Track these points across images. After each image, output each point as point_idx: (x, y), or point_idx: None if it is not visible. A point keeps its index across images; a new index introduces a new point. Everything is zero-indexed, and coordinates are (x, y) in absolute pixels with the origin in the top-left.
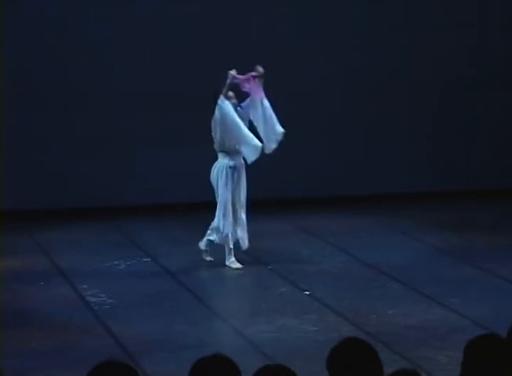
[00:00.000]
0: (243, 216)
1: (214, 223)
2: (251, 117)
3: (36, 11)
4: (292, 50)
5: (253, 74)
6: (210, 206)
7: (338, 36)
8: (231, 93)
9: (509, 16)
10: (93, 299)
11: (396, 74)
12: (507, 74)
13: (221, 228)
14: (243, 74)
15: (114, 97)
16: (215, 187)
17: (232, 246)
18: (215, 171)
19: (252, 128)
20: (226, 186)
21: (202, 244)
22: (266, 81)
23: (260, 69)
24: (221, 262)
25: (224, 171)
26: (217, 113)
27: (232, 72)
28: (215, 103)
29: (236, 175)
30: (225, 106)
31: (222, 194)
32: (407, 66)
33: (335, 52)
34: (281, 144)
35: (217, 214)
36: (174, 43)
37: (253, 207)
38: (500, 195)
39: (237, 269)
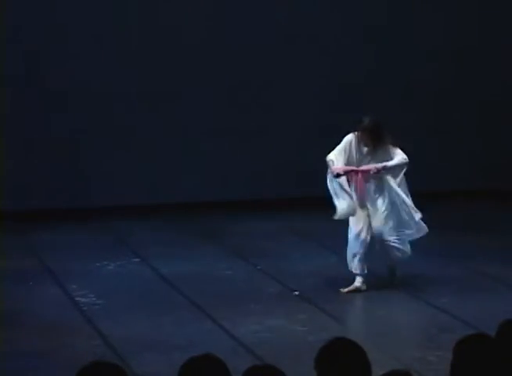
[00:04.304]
0: None
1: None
2: None
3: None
4: (293, 50)
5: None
6: (203, 207)
7: (337, 35)
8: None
9: (509, 15)
10: (82, 300)
11: (395, 73)
12: (507, 73)
13: None
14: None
15: (110, 96)
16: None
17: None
18: None
19: None
20: None
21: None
22: (267, 82)
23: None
24: (216, 262)
25: None
26: None
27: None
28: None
29: None
30: None
31: None
32: (408, 65)
33: (340, 52)
34: (279, 144)
35: None
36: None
37: (245, 207)
38: (491, 196)
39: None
